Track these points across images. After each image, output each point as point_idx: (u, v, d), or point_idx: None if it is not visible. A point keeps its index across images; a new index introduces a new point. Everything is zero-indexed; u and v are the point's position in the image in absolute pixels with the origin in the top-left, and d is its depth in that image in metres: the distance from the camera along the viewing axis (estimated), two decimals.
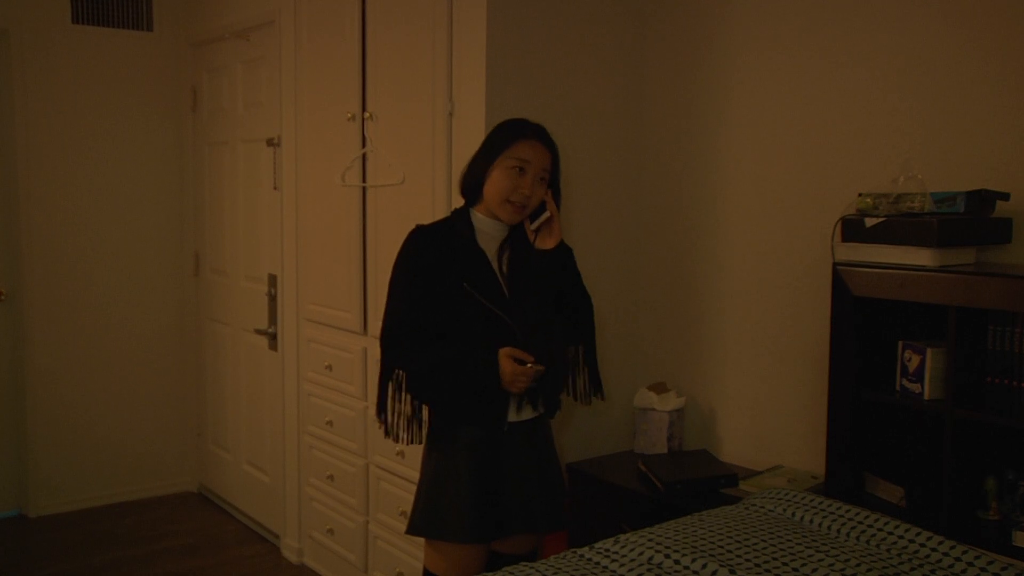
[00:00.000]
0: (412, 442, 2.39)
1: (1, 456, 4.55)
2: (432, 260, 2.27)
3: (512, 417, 2.32)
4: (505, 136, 2.28)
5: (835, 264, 2.43)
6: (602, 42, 3.19)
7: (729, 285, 3.09)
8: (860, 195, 2.45)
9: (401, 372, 2.34)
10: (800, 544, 1.95)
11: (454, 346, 2.25)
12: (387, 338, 2.31)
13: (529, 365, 2.22)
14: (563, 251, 2.33)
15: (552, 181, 2.33)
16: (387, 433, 2.39)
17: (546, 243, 2.30)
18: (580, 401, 2.48)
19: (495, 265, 2.32)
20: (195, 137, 4.74)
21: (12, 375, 4.54)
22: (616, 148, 3.28)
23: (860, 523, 2.05)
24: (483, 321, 2.24)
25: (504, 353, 2.22)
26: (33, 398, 4.52)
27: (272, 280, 4.09)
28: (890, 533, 1.99)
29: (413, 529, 2.37)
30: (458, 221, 2.34)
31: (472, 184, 2.32)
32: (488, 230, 2.33)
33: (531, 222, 2.32)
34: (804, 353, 2.86)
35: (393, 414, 2.37)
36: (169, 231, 4.82)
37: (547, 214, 2.30)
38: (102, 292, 4.65)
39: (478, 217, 2.33)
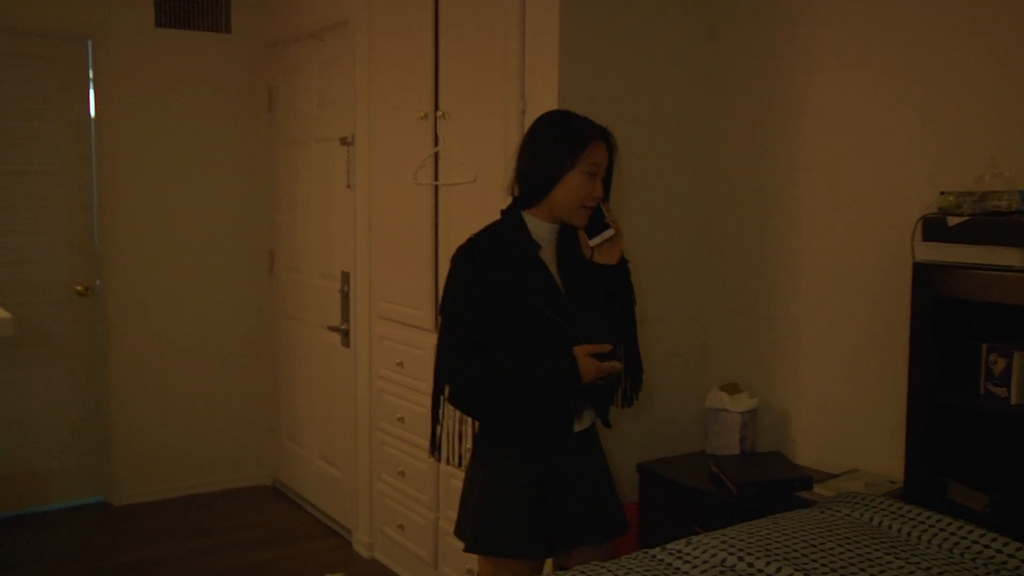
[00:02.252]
0: (462, 464, 2.35)
1: (88, 446, 4.69)
2: (493, 273, 2.17)
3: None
4: (576, 139, 2.18)
5: (915, 264, 2.37)
6: (675, 39, 3.16)
7: (804, 284, 3.04)
8: (942, 193, 2.38)
9: (459, 390, 2.22)
10: (879, 550, 1.91)
11: (525, 355, 2.17)
12: (450, 357, 2.19)
13: (612, 363, 2.16)
14: (625, 266, 2.29)
15: (607, 176, 2.27)
16: (448, 461, 2.35)
17: (609, 259, 2.24)
18: (622, 405, 2.41)
19: (552, 271, 2.25)
20: (270, 136, 4.83)
21: (99, 369, 4.68)
22: (688, 146, 3.24)
23: (942, 530, 1.99)
24: (548, 332, 2.17)
25: (580, 351, 2.14)
26: (117, 391, 4.66)
27: (345, 278, 4.14)
28: (974, 542, 1.93)
29: (473, 547, 2.30)
30: (512, 228, 2.24)
31: (540, 188, 2.22)
32: (542, 234, 2.25)
33: (590, 237, 2.23)
34: (881, 354, 2.79)
35: (451, 438, 2.33)
36: (245, 229, 4.92)
37: (611, 231, 2.22)
38: (181, 289, 4.77)
39: (531, 221, 2.24)
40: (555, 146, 2.19)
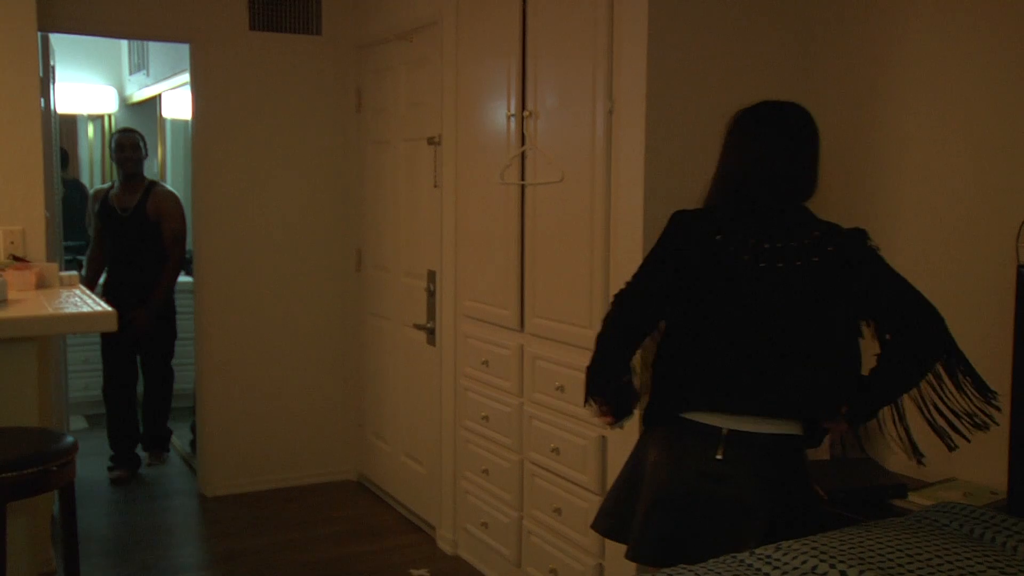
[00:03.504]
0: None
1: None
2: None
3: None
4: None
5: (1020, 266, 2.28)
6: (765, 40, 3.09)
7: None
8: None
9: None
10: (982, 564, 1.83)
11: None
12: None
13: None
14: None
15: None
16: None
17: None
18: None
19: None
20: (359, 136, 4.90)
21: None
22: None
23: None
24: None
25: None
26: (209, 387, 4.78)
27: (431, 276, 4.18)
28: None
29: None
30: None
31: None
32: None
33: None
34: (982, 359, 2.67)
35: None
36: (333, 227, 4.99)
37: None
38: (270, 286, 4.87)
39: None
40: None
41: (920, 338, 2.16)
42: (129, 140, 5.03)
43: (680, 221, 2.26)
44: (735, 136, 2.27)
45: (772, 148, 2.20)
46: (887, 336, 2.18)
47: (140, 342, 5.02)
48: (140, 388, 5.21)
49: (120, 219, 4.96)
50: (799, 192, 2.23)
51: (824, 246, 2.15)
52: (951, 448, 2.22)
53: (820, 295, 2.15)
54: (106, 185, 5.28)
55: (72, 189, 6.20)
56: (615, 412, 2.29)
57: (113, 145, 5.08)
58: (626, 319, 2.27)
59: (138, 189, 5.00)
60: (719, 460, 2.17)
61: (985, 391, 2.19)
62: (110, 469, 5.05)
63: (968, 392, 2.19)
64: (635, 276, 2.30)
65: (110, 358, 5.07)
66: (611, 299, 2.36)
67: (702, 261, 2.18)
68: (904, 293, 2.17)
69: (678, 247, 2.23)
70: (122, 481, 4.98)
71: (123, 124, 6.78)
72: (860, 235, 2.20)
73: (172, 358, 5.25)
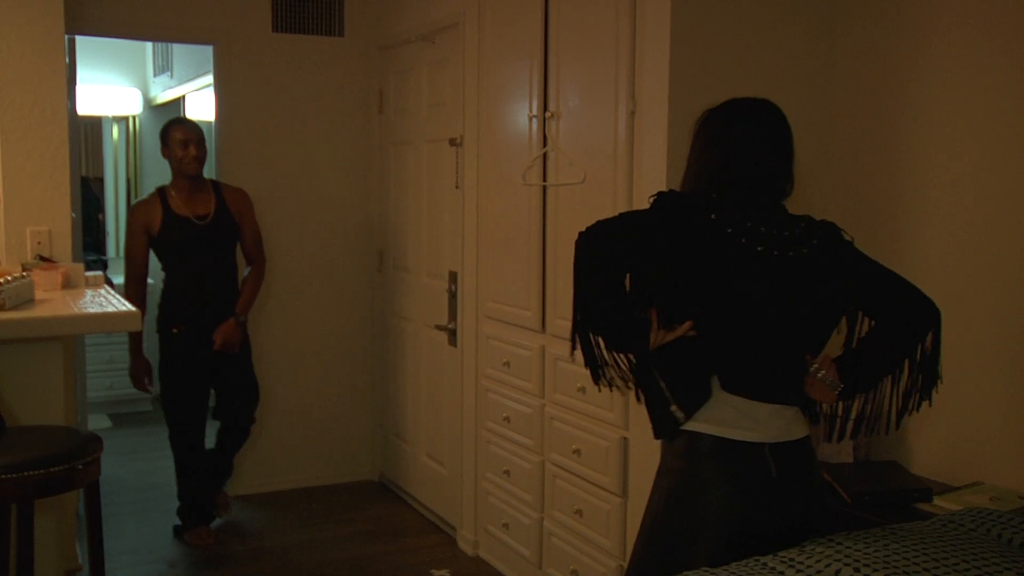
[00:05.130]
0: None
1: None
2: None
3: None
4: None
5: None
6: (790, 41, 3.08)
7: (928, 286, 2.90)
8: None
9: None
10: (1011, 570, 1.81)
11: None
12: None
13: None
14: None
15: None
16: None
17: None
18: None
19: None
20: (381, 137, 4.91)
21: None
22: (804, 148, 3.15)
23: None
24: None
25: None
26: None
27: (452, 277, 4.18)
28: None
29: None
30: None
31: None
32: None
33: None
34: (1010, 360, 2.66)
35: None
36: (355, 228, 5.01)
37: None
38: (293, 287, 4.89)
39: None
40: None
41: (915, 312, 2.15)
42: (196, 134, 4.09)
43: (670, 198, 2.15)
44: (708, 134, 2.18)
45: (748, 144, 2.13)
46: (880, 315, 2.15)
47: (226, 361, 4.20)
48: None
49: (198, 228, 4.08)
50: (778, 188, 2.16)
51: (810, 238, 2.12)
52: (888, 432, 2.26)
53: (815, 284, 2.11)
54: (146, 196, 4.22)
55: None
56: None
57: (174, 141, 4.07)
58: (605, 253, 2.17)
59: (207, 191, 4.18)
60: (774, 478, 2.07)
61: (931, 386, 2.21)
62: (183, 530, 4.27)
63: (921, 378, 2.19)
64: (604, 223, 2.21)
65: (184, 399, 4.15)
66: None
67: (703, 240, 2.07)
68: (893, 279, 2.16)
69: (672, 223, 2.10)
70: (207, 542, 4.22)
71: (147, 125, 6.81)
72: (835, 228, 2.17)
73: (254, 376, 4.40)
